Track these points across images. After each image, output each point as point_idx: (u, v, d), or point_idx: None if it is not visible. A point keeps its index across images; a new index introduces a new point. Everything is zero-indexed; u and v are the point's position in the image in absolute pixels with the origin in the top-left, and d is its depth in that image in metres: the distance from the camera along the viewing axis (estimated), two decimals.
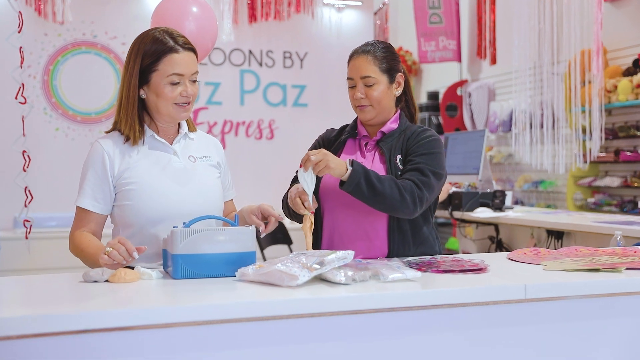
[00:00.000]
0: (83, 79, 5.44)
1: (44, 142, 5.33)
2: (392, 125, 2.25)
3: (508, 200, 4.50)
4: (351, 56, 2.25)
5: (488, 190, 4.44)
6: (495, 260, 2.07)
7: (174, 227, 1.76)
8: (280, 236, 4.47)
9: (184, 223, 1.78)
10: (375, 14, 7.49)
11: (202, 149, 2.15)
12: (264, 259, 4.13)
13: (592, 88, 5.29)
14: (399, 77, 2.24)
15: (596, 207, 5.57)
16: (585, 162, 5.44)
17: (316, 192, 2.22)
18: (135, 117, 2.04)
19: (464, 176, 4.69)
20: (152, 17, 2.61)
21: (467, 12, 7.32)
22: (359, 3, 6.08)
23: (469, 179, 4.64)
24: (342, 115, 6.01)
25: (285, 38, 5.93)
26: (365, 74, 2.18)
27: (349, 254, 1.69)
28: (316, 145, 2.37)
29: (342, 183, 2.04)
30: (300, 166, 2.01)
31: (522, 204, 6.52)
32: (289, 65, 5.96)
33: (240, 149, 5.83)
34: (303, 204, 2.04)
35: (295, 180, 2.20)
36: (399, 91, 2.26)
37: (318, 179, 2.12)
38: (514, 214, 4.17)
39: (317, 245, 2.23)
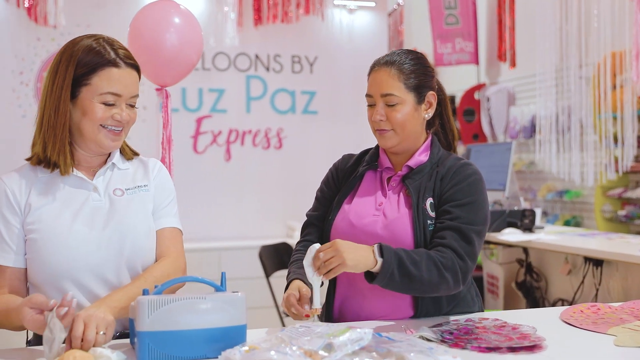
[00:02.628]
0: None
1: None
2: (421, 157, 1.87)
3: (537, 218, 4.12)
4: (372, 68, 1.87)
5: (516, 209, 4.06)
6: (547, 324, 1.71)
7: (143, 292, 1.39)
8: (287, 259, 4.11)
9: (155, 287, 1.41)
10: (390, 15, 7.12)
11: (137, 177, 1.78)
12: (270, 288, 3.78)
13: (624, 93, 4.91)
14: (430, 96, 1.86)
15: (627, 220, 5.20)
16: (616, 171, 5.06)
17: (326, 239, 1.86)
18: (66, 139, 1.65)
19: (488, 192, 4.30)
20: (129, 28, 2.27)
21: (485, 13, 6.95)
22: (372, 4, 5.71)
23: (494, 196, 4.27)
24: (355, 124, 5.72)
25: (293, 41, 5.57)
26: (386, 91, 1.81)
27: (366, 333, 1.32)
28: (329, 177, 2.01)
29: (369, 275, 1.66)
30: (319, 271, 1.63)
31: (546, 214, 6.17)
32: (297, 70, 5.60)
33: (246, 159, 5.48)
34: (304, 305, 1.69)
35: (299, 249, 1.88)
36: (429, 113, 1.88)
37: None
38: (546, 236, 3.79)
39: (329, 301, 1.87)
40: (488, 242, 4.15)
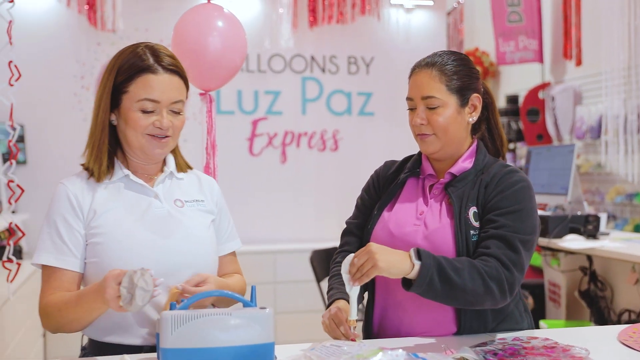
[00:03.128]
0: None
1: None
2: (465, 163, 1.78)
3: (602, 223, 3.91)
4: (412, 70, 1.80)
5: (579, 214, 3.88)
6: (602, 345, 1.59)
7: (170, 307, 1.35)
8: None
9: (182, 300, 1.37)
10: (449, 14, 6.96)
11: (193, 192, 1.77)
12: (321, 293, 3.72)
13: None
14: (475, 98, 1.77)
15: None
16: None
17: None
18: (103, 147, 1.65)
19: (549, 196, 4.14)
20: (173, 32, 2.25)
21: (550, 9, 6.70)
22: (431, 3, 5.58)
23: (556, 200, 4.09)
24: None
25: (349, 42, 5.49)
26: (427, 94, 1.73)
27: (398, 356, 1.23)
28: (369, 184, 1.94)
29: (406, 282, 1.58)
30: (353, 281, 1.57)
31: (615, 218, 5.90)
32: (354, 71, 5.53)
33: (302, 161, 5.45)
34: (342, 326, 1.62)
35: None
36: (473, 117, 1.78)
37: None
38: (611, 243, 3.59)
39: (368, 316, 1.80)
40: (549, 249, 3.97)
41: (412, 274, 1.56)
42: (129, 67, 1.62)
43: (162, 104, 1.62)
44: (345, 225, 1.93)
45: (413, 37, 5.54)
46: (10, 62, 2.46)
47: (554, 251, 4.05)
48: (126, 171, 1.67)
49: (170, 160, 1.76)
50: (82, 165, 1.70)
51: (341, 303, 1.69)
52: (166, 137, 1.65)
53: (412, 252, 1.57)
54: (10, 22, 2.48)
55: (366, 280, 1.56)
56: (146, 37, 5.11)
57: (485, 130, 1.87)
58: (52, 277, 1.60)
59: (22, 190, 2.98)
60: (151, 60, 1.62)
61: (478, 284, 1.57)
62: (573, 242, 3.67)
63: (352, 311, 1.58)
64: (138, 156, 1.68)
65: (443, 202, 1.75)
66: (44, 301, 1.59)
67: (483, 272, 1.58)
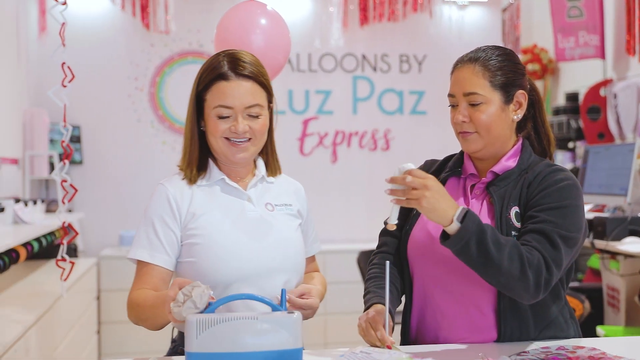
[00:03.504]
0: (189, 90, 5.22)
1: (151, 156, 5.18)
2: (508, 162, 1.71)
3: None
4: (455, 66, 1.74)
5: (639, 215, 3.71)
6: None
7: (195, 310, 1.34)
8: None
9: (210, 303, 1.35)
10: (505, 10, 6.79)
11: (282, 195, 1.80)
12: None
13: None
14: (520, 95, 1.69)
15: None
16: None
17: (403, 250, 1.73)
18: (194, 153, 1.73)
19: (608, 197, 3.98)
20: (216, 30, 2.23)
21: (612, 3, 6.46)
22: None
23: (615, 201, 3.92)
24: None
25: (401, 40, 5.42)
26: (469, 90, 1.66)
27: None
28: None
29: (445, 236, 1.54)
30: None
31: None
32: (405, 69, 5.45)
33: (353, 161, 5.40)
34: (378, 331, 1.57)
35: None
36: (518, 114, 1.71)
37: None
38: None
39: (406, 321, 1.74)
40: (607, 252, 3.81)
41: (450, 230, 1.51)
42: (207, 75, 1.68)
43: (236, 109, 1.65)
44: (384, 225, 1.88)
45: (466, 34, 5.43)
46: (63, 63, 2.50)
47: (613, 254, 3.88)
48: (222, 174, 1.73)
49: (261, 164, 1.78)
50: (179, 167, 1.77)
51: (379, 307, 1.64)
52: (247, 140, 1.68)
53: (459, 210, 1.51)
54: (63, 24, 2.52)
55: (404, 205, 1.53)
56: (198, 39, 5.17)
57: (532, 128, 1.79)
58: (142, 271, 1.67)
59: (76, 190, 3.04)
60: (225, 68, 1.66)
61: (515, 267, 1.50)
62: (633, 245, 3.51)
63: (393, 216, 1.56)
64: (224, 160, 1.74)
65: (484, 202, 1.69)
66: (131, 295, 1.66)
67: (525, 257, 1.51)
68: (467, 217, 1.50)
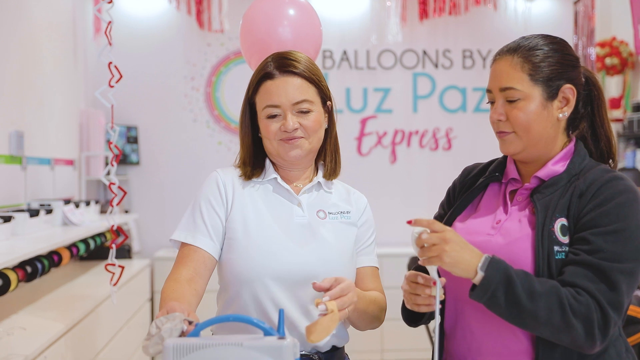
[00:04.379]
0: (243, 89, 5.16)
1: (207, 156, 5.14)
2: (556, 167, 1.50)
3: None
4: (494, 58, 1.55)
5: None
6: None
7: (180, 332, 1.21)
8: None
9: (196, 325, 1.21)
10: (577, 1, 6.42)
11: (340, 203, 1.70)
12: None
13: None
14: (567, 90, 1.48)
15: None
16: None
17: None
18: (247, 158, 1.68)
19: None
20: (242, 21, 2.10)
21: None
22: None
23: None
24: None
25: (464, 35, 5.18)
26: (505, 85, 1.47)
27: None
28: (449, 194, 1.71)
29: (472, 286, 1.38)
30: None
31: None
32: (469, 65, 5.21)
33: (413, 161, 5.21)
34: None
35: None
36: (565, 112, 1.50)
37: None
38: None
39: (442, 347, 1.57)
40: None
41: (476, 281, 1.36)
42: (255, 78, 1.64)
43: (284, 106, 1.59)
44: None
45: (534, 28, 5.12)
46: (110, 63, 2.43)
47: None
48: (273, 174, 1.67)
49: (320, 170, 1.71)
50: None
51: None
52: (299, 138, 1.61)
53: (483, 258, 1.36)
54: (109, 23, 2.46)
55: (428, 265, 1.37)
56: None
57: (588, 128, 1.57)
58: (183, 253, 1.59)
59: (125, 192, 2.98)
60: (270, 67, 1.62)
61: (555, 317, 1.31)
62: None
63: (433, 275, 1.40)
64: (281, 163, 1.67)
65: (527, 211, 1.49)
66: (165, 282, 1.55)
67: (567, 305, 1.32)
68: (490, 265, 1.35)
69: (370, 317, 1.62)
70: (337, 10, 5.12)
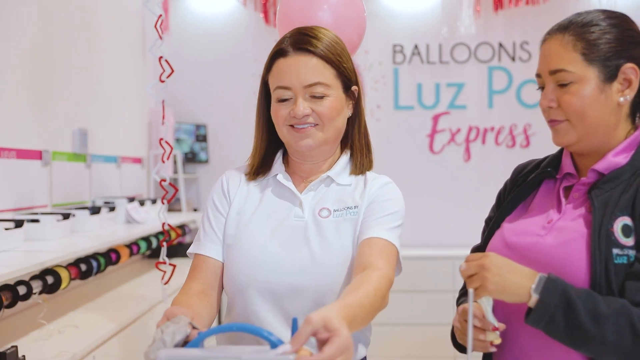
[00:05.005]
0: None
1: None
2: (617, 158, 1.32)
3: None
4: (543, 38, 1.37)
5: None
6: None
7: (199, 336, 1.09)
8: None
9: (199, 334, 1.09)
10: None
11: (349, 198, 1.47)
12: None
13: None
14: (629, 70, 1.30)
15: None
16: None
17: None
18: (259, 144, 1.52)
19: None
20: (279, 7, 2.00)
21: None
22: None
23: None
24: None
25: (542, 25, 4.83)
26: (555, 67, 1.30)
27: None
28: (499, 196, 1.55)
29: (528, 310, 1.22)
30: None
31: None
32: None
33: (488, 159, 4.97)
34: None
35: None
36: (627, 95, 1.31)
37: None
38: None
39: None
40: None
41: (531, 304, 1.19)
42: (269, 55, 1.46)
43: (295, 89, 1.41)
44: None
45: None
46: (161, 57, 2.40)
47: None
48: (277, 171, 1.51)
49: (341, 162, 1.51)
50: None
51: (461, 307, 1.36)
52: (311, 126, 1.42)
53: (537, 279, 1.19)
54: (160, 16, 2.42)
55: (477, 299, 1.22)
56: None
57: None
58: (193, 265, 1.48)
59: (176, 190, 2.95)
60: (286, 43, 1.43)
61: (627, 341, 1.14)
62: None
63: (487, 314, 1.25)
64: (292, 153, 1.51)
65: (583, 209, 1.31)
66: (175, 297, 1.45)
67: (638, 325, 1.14)
68: (546, 286, 1.18)
69: (367, 320, 1.28)
70: (407, 3, 4.95)
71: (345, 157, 1.52)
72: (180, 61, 4.48)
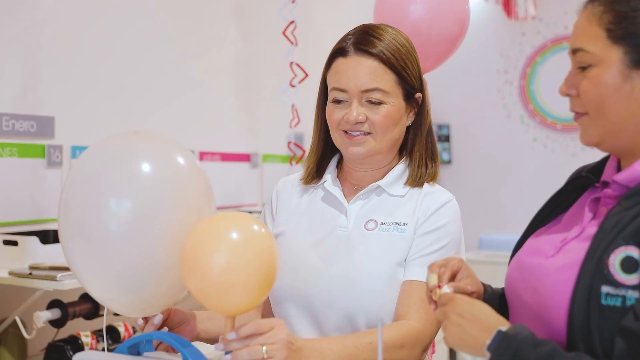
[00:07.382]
0: (562, 80, 4.66)
1: (520, 154, 4.81)
2: None
3: None
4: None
5: None
6: None
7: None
8: None
9: (147, 340, 1.12)
10: None
11: (400, 213, 1.37)
12: None
13: None
14: None
15: None
16: None
17: None
18: (314, 147, 1.45)
19: None
20: (375, 2, 1.89)
21: None
22: None
23: None
24: None
25: None
26: (575, 44, 1.05)
27: None
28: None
29: None
30: None
31: None
32: None
33: None
34: None
35: None
36: None
37: None
38: None
39: None
40: None
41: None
42: (330, 54, 1.40)
43: (351, 92, 1.33)
44: None
45: None
46: (292, 63, 2.49)
47: None
48: (327, 177, 1.44)
49: (395, 171, 1.41)
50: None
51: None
52: (364, 134, 1.34)
53: (494, 333, 0.96)
54: (292, 22, 2.51)
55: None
56: (564, 22, 4.58)
57: None
58: None
59: None
60: (348, 42, 1.36)
61: None
62: None
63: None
64: (345, 158, 1.44)
65: (597, 229, 1.02)
66: None
67: None
68: (498, 344, 0.94)
69: None
70: None
71: (401, 167, 1.41)
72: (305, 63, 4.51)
